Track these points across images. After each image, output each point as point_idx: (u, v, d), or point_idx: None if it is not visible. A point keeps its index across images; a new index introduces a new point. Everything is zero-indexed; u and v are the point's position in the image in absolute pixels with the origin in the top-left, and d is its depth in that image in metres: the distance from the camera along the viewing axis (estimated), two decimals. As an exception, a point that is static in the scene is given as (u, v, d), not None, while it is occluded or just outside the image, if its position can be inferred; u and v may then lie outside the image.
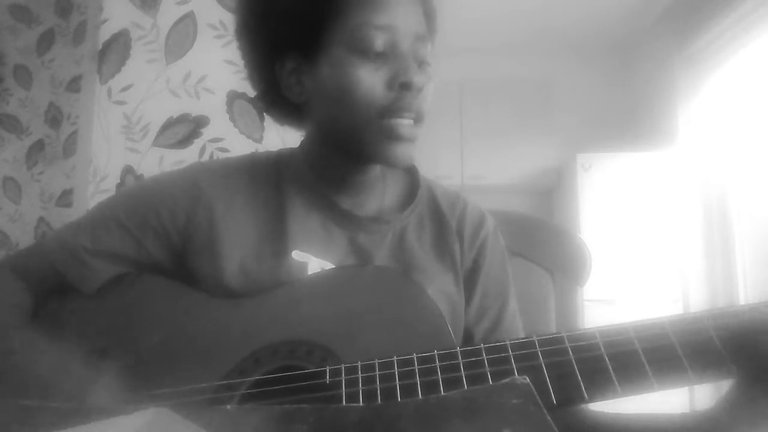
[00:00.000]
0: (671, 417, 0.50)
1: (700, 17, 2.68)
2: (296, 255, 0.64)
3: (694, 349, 0.43)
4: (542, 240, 0.92)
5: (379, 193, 0.71)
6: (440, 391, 0.45)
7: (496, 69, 3.59)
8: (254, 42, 0.67)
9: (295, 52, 0.63)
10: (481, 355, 0.46)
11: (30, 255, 0.69)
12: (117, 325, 0.62)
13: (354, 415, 0.33)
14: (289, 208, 0.67)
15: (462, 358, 0.47)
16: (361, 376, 0.48)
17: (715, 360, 0.42)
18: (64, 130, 2.23)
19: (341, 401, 0.47)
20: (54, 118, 2.26)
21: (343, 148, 0.65)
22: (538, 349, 0.46)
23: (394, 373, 0.47)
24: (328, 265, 0.64)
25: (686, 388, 2.49)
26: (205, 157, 1.57)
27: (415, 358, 0.47)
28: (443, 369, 0.46)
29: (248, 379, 0.53)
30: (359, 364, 0.48)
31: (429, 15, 0.65)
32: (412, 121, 0.61)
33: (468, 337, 0.68)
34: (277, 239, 0.65)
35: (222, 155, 1.58)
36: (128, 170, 1.57)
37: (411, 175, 0.75)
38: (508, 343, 0.47)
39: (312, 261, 0.64)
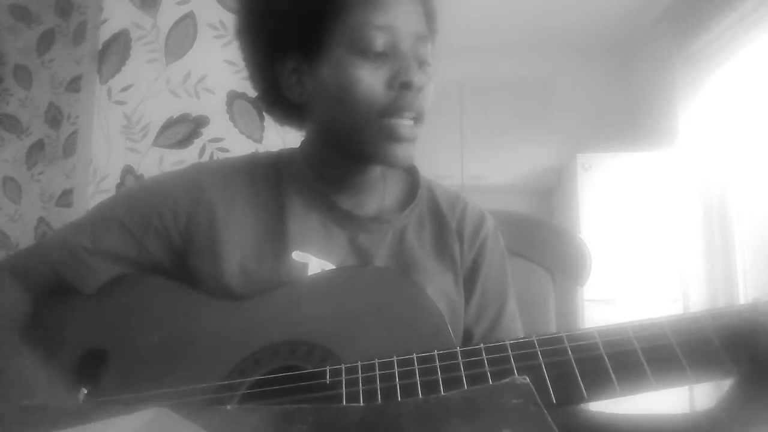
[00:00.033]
0: (672, 417, 0.50)
1: (700, 17, 2.68)
2: (296, 256, 0.64)
3: (692, 348, 0.43)
4: (542, 240, 0.92)
5: (379, 193, 0.71)
6: (440, 391, 0.45)
7: (496, 69, 3.59)
8: (255, 42, 0.67)
9: (296, 52, 0.63)
10: (481, 355, 0.46)
11: (30, 255, 0.69)
12: (117, 326, 0.62)
13: (354, 414, 0.33)
14: (290, 208, 0.67)
15: (462, 358, 0.47)
16: (362, 376, 0.48)
17: (713, 360, 0.42)
18: (64, 130, 2.23)
19: (341, 401, 0.47)
20: (54, 118, 2.26)
21: (344, 149, 0.65)
22: (537, 348, 0.46)
23: (394, 372, 0.47)
24: (329, 266, 0.64)
25: (686, 388, 2.50)
26: (205, 157, 1.57)
27: (415, 358, 0.47)
28: (443, 369, 0.46)
29: (248, 379, 0.53)
30: (359, 364, 0.48)
31: (429, 15, 0.65)
32: (412, 122, 0.61)
33: (467, 337, 0.68)
34: (277, 239, 0.65)
35: (222, 155, 1.58)
36: (128, 170, 1.57)
37: (411, 175, 0.75)
38: (507, 342, 0.47)
39: (312, 261, 0.64)
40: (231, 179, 0.69)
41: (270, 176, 0.70)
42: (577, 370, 0.44)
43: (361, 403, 0.46)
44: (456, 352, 0.47)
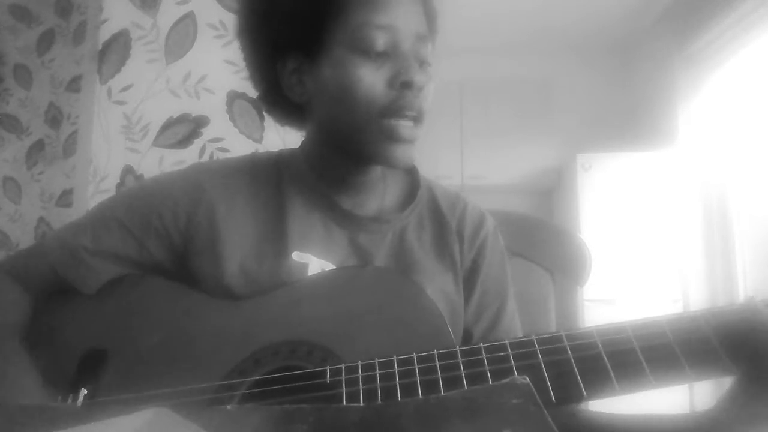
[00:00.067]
0: (673, 417, 0.50)
1: (700, 17, 2.68)
2: (296, 256, 0.64)
3: (691, 347, 0.43)
4: (542, 240, 0.92)
5: (379, 193, 0.71)
6: (440, 390, 0.45)
7: (496, 69, 3.59)
8: (256, 42, 0.67)
9: (297, 52, 0.63)
10: (481, 354, 0.46)
11: (30, 256, 0.69)
12: (117, 326, 0.62)
13: (354, 414, 0.33)
14: (290, 208, 0.67)
15: (461, 357, 0.47)
16: (362, 376, 0.48)
17: (712, 358, 0.42)
18: (64, 130, 2.23)
19: (342, 400, 0.47)
20: (54, 118, 2.26)
21: (344, 149, 0.65)
22: (537, 348, 0.46)
23: (394, 372, 0.47)
24: (329, 266, 0.64)
25: (686, 388, 2.50)
26: (205, 157, 1.57)
27: (415, 358, 0.47)
28: (443, 368, 0.46)
29: (248, 379, 0.53)
30: (359, 363, 0.48)
31: (429, 15, 0.65)
32: (412, 123, 0.61)
33: (467, 337, 0.68)
34: (277, 239, 0.65)
35: (222, 155, 1.58)
36: (128, 170, 1.57)
37: (411, 175, 0.75)
38: (507, 342, 0.47)
39: (312, 261, 0.64)
40: (231, 179, 0.69)
41: (270, 176, 0.70)
42: (576, 369, 0.44)
43: (361, 403, 0.46)
44: (456, 351, 0.47)
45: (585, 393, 0.43)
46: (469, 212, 0.73)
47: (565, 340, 0.45)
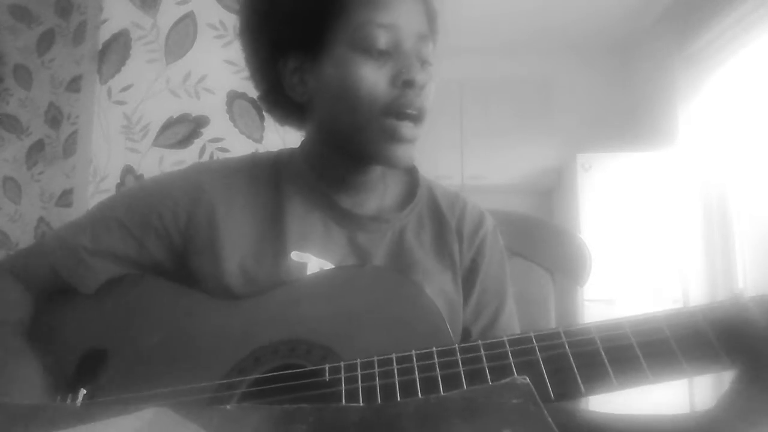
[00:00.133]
0: (673, 417, 0.50)
1: (700, 17, 2.68)
2: (295, 255, 0.64)
3: (688, 342, 0.43)
4: (542, 240, 0.92)
5: (379, 192, 0.71)
6: (439, 388, 0.45)
7: (496, 69, 3.59)
8: (257, 41, 0.67)
9: (298, 51, 0.63)
10: (479, 351, 0.46)
11: (29, 255, 0.69)
12: (117, 326, 0.62)
13: (354, 414, 0.33)
14: (289, 207, 0.67)
15: (460, 354, 0.47)
16: (360, 374, 0.48)
17: (709, 353, 0.43)
18: (64, 130, 2.23)
19: (341, 398, 0.47)
20: (54, 118, 2.26)
21: (344, 148, 0.65)
22: (535, 344, 0.46)
23: (393, 369, 0.47)
24: (328, 265, 0.64)
25: (686, 388, 2.50)
26: (205, 157, 1.57)
27: (414, 355, 0.47)
28: (441, 365, 0.46)
29: (248, 377, 0.53)
30: (358, 361, 0.48)
31: (431, 15, 0.65)
32: (412, 123, 0.61)
33: (466, 336, 0.68)
34: (276, 239, 0.65)
35: (222, 155, 1.58)
36: (128, 170, 1.57)
37: (411, 174, 0.75)
38: (505, 339, 0.47)
39: (311, 261, 0.64)
40: (231, 179, 0.69)
41: (270, 176, 0.70)
42: (574, 365, 0.44)
43: (361, 400, 0.46)
44: (454, 348, 0.47)
45: (583, 389, 0.43)
46: (469, 211, 0.73)
47: (562, 336, 0.46)
